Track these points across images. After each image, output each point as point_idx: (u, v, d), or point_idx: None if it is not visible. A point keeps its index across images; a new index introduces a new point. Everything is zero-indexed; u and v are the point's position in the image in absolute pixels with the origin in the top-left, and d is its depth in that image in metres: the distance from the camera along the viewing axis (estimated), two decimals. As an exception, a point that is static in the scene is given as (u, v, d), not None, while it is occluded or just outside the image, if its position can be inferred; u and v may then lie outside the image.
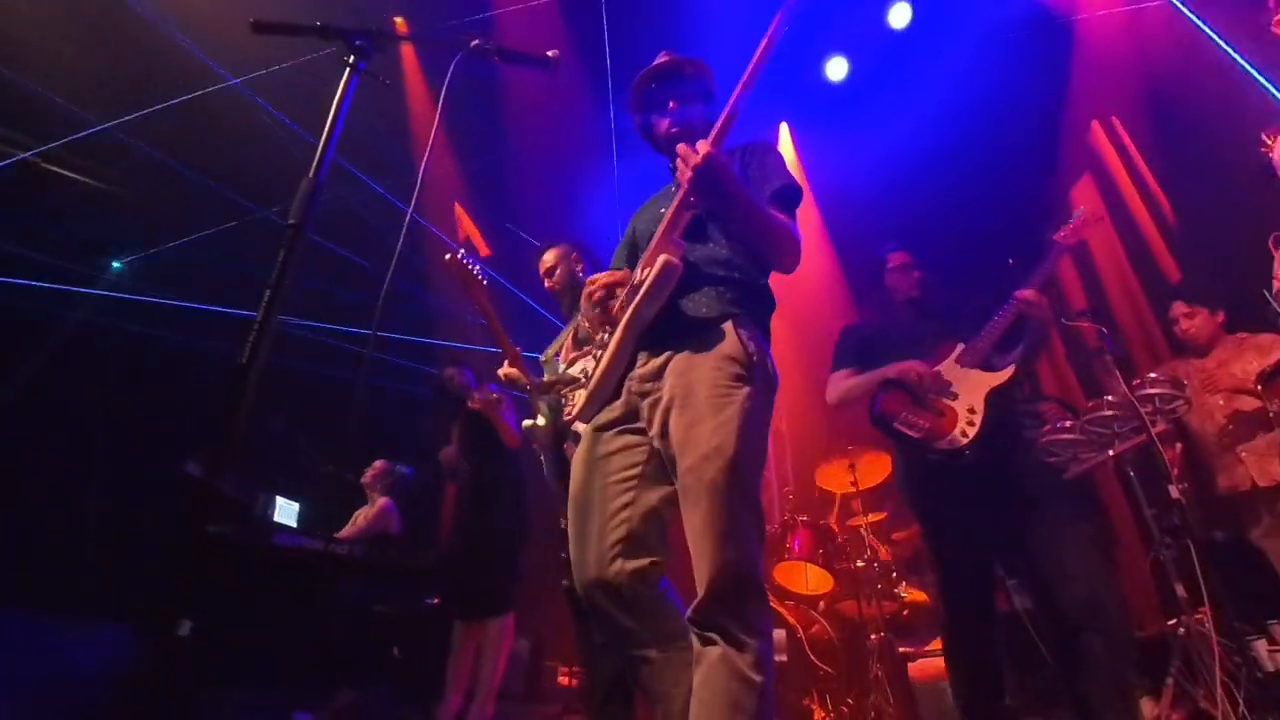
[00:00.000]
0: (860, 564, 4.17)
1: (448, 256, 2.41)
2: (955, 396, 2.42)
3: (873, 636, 3.89)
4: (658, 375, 1.56)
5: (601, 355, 1.62)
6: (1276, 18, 1.71)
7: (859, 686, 3.90)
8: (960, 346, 2.53)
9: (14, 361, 3.87)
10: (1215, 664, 2.56)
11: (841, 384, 2.72)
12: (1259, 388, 2.98)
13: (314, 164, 1.48)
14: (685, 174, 1.48)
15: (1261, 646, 2.83)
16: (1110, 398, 3.32)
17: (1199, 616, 2.73)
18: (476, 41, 1.73)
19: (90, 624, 2.61)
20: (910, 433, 2.42)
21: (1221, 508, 3.31)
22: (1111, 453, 3.26)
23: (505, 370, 2.62)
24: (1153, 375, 3.39)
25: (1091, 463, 3.49)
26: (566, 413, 2.35)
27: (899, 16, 5.67)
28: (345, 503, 4.44)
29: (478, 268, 2.42)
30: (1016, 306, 2.51)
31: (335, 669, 3.86)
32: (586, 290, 1.70)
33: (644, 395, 1.58)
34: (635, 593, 1.48)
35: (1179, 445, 3.42)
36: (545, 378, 2.60)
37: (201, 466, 2.66)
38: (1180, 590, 2.83)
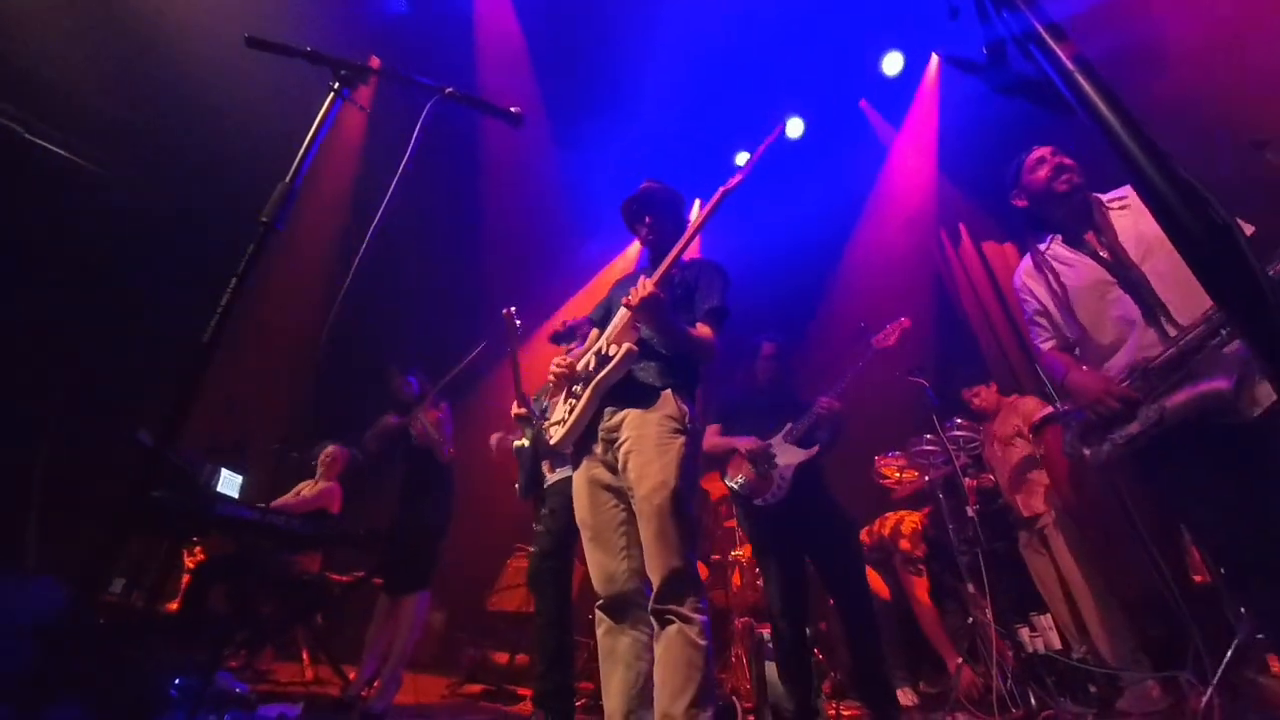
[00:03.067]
0: (731, 557, 4.24)
1: (505, 311, 2.61)
2: (775, 466, 2.81)
3: (736, 622, 3.93)
4: (618, 426, 1.82)
5: (576, 405, 1.90)
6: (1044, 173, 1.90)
7: (722, 666, 3.92)
8: (790, 425, 2.88)
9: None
10: (992, 646, 2.77)
11: (711, 439, 3.04)
12: (1030, 436, 3.28)
13: (291, 170, 1.41)
14: (633, 302, 1.75)
15: (1025, 633, 3.08)
16: (928, 436, 3.59)
17: (983, 609, 2.95)
18: (450, 89, 1.69)
19: (25, 576, 2.28)
20: (737, 488, 2.87)
21: (1003, 526, 3.59)
22: (928, 478, 3.52)
23: (516, 411, 2.78)
24: (959, 420, 3.69)
25: (914, 485, 3.74)
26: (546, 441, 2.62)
27: (795, 128, 6.06)
28: (288, 477, 4.14)
29: (520, 323, 2.63)
30: (818, 410, 2.84)
31: (260, 633, 3.53)
32: (553, 367, 1.99)
33: (611, 441, 1.83)
34: (640, 597, 1.74)
35: (987, 476, 3.66)
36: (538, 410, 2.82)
37: (152, 435, 2.40)
38: (970, 588, 3.05)
